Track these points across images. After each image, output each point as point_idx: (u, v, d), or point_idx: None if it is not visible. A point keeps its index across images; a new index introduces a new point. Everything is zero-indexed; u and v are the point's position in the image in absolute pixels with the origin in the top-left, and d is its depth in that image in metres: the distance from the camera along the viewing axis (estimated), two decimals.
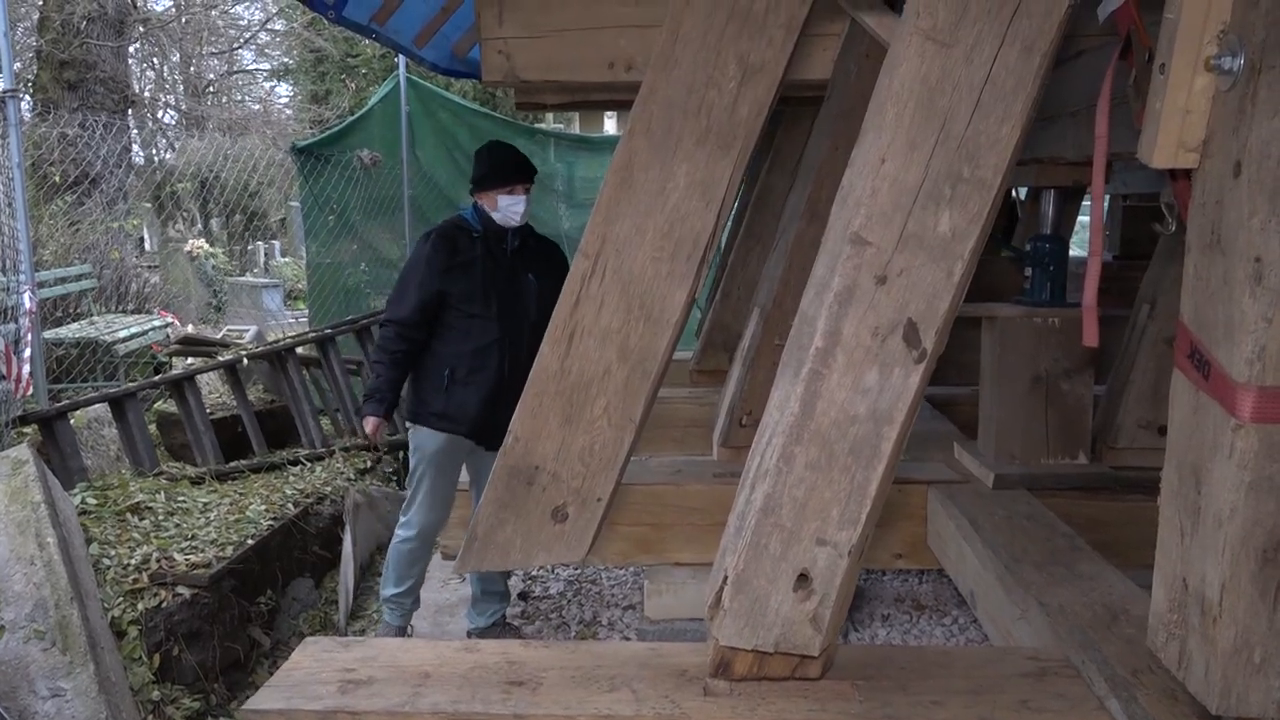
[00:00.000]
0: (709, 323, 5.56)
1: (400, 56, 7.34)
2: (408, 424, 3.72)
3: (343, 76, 15.30)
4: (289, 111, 18.32)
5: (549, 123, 12.54)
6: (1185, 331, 1.78)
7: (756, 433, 2.01)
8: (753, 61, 2.53)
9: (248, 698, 1.97)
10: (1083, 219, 6.27)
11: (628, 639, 3.79)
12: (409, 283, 3.58)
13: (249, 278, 12.90)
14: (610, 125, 15.47)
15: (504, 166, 3.59)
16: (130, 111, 12.82)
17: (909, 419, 1.85)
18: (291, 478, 4.95)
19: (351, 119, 8.63)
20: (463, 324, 3.55)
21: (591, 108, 10.62)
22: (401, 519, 3.70)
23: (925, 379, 1.85)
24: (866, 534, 1.87)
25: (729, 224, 5.69)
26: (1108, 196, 5.43)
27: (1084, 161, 3.33)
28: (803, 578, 1.85)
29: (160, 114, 16.73)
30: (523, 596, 4.27)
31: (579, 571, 4.48)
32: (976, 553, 2.88)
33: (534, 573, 4.48)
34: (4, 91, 5.14)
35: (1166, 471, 1.94)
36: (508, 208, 3.57)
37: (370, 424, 3.65)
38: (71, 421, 4.82)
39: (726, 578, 1.87)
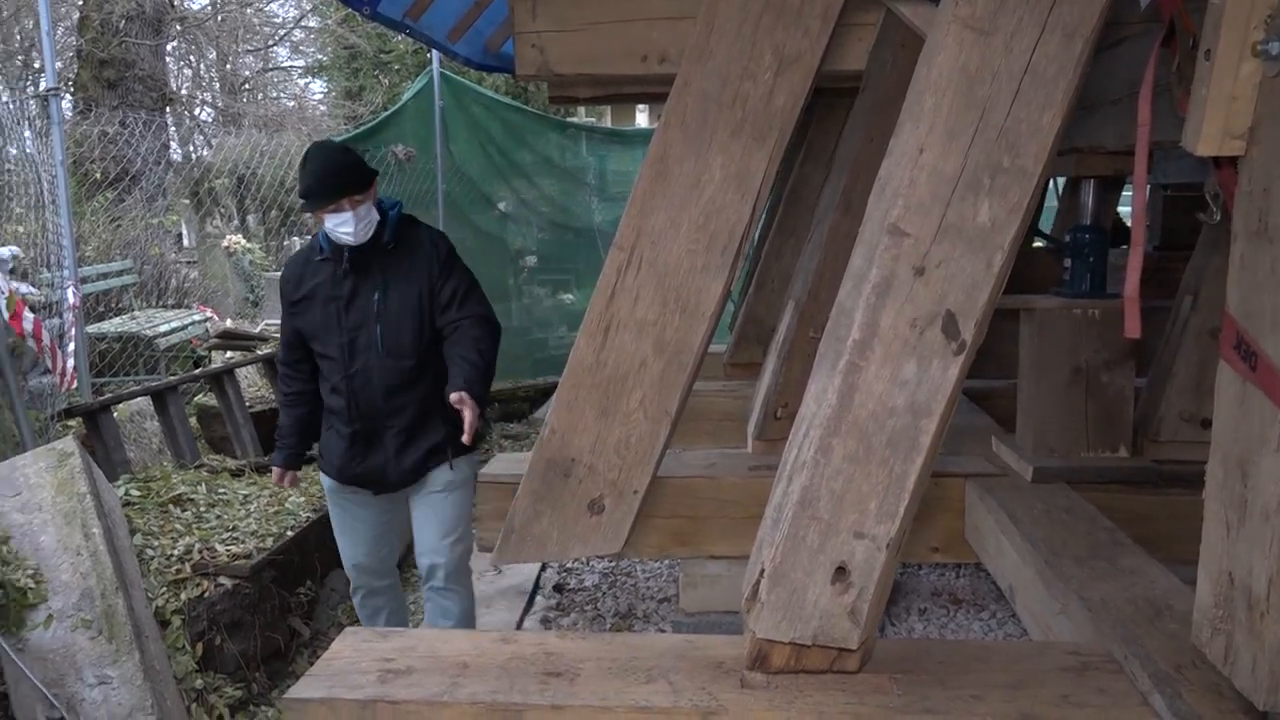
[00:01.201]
0: (743, 316, 5.55)
1: (433, 52, 7.38)
2: None
3: (376, 72, 15.39)
4: (323, 108, 18.48)
5: (580, 116, 12.55)
6: (1231, 322, 1.75)
7: (793, 425, 2.00)
8: (788, 52, 2.51)
9: (288, 687, 2.00)
10: (1122, 209, 6.19)
11: (663, 631, 3.80)
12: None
13: None
14: (642, 119, 15.47)
15: (315, 185, 2.97)
16: (168, 109, 12.99)
17: (948, 411, 1.84)
18: None
19: (385, 115, 8.69)
20: (321, 364, 3.16)
21: (625, 101, 10.61)
22: None
23: (964, 371, 1.84)
24: (905, 527, 1.85)
25: (763, 216, 5.67)
26: (1149, 186, 5.35)
27: (1125, 151, 3.30)
28: (840, 571, 1.84)
29: (197, 111, 16.94)
30: (558, 589, 4.29)
31: (614, 564, 4.49)
32: (1015, 546, 2.85)
33: (569, 565, 4.50)
34: (47, 90, 5.22)
35: (1211, 464, 1.91)
36: (336, 228, 2.99)
37: (274, 475, 3.37)
38: (115, 414, 4.90)
39: (763, 570, 1.87)
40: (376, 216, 3.04)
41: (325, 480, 3.26)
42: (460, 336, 3.05)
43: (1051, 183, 5.91)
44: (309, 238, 3.23)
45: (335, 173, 2.97)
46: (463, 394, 2.90)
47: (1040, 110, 1.80)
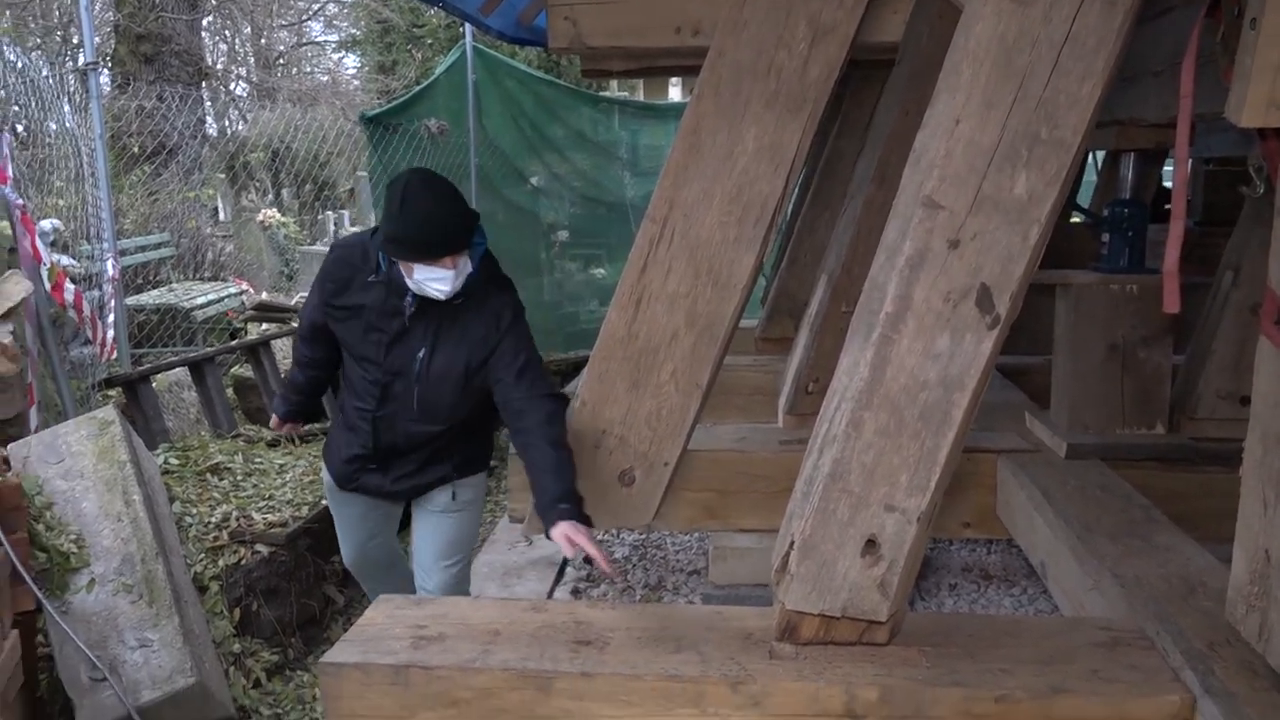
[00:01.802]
0: (775, 290, 5.53)
1: (466, 25, 7.37)
2: None
3: (409, 47, 15.40)
4: (357, 82, 18.54)
5: (613, 90, 12.50)
6: (1274, 297, 1.73)
7: (825, 398, 2.00)
8: (824, 22, 2.49)
9: (323, 652, 2.04)
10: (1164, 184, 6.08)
11: (692, 604, 3.82)
12: (311, 289, 2.94)
13: (319, 246, 13.13)
14: (675, 93, 15.38)
15: (418, 237, 2.53)
16: (204, 84, 13.09)
17: (980, 385, 1.83)
18: None
19: (418, 89, 8.70)
20: (351, 370, 2.85)
21: (658, 74, 10.54)
22: None
23: (998, 345, 1.82)
24: (935, 501, 1.85)
25: (797, 190, 5.63)
26: (1190, 159, 5.26)
27: (1167, 123, 3.23)
28: (870, 543, 1.85)
29: (232, 86, 17.05)
30: (588, 560, 4.32)
31: (644, 536, 4.52)
32: (1048, 523, 2.84)
33: (600, 537, 4.52)
34: (85, 65, 5.28)
35: (1250, 441, 1.89)
36: (428, 280, 2.58)
37: (273, 421, 3.17)
38: (154, 384, 4.98)
39: (793, 543, 1.87)
40: (470, 269, 2.63)
41: (325, 474, 3.04)
42: (537, 439, 2.62)
43: (1091, 157, 5.82)
44: (342, 212, 2.98)
45: (444, 228, 2.54)
46: (574, 528, 2.46)
47: (1080, 81, 1.77)
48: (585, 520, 2.52)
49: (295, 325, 6.00)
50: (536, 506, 2.61)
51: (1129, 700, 1.76)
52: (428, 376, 2.71)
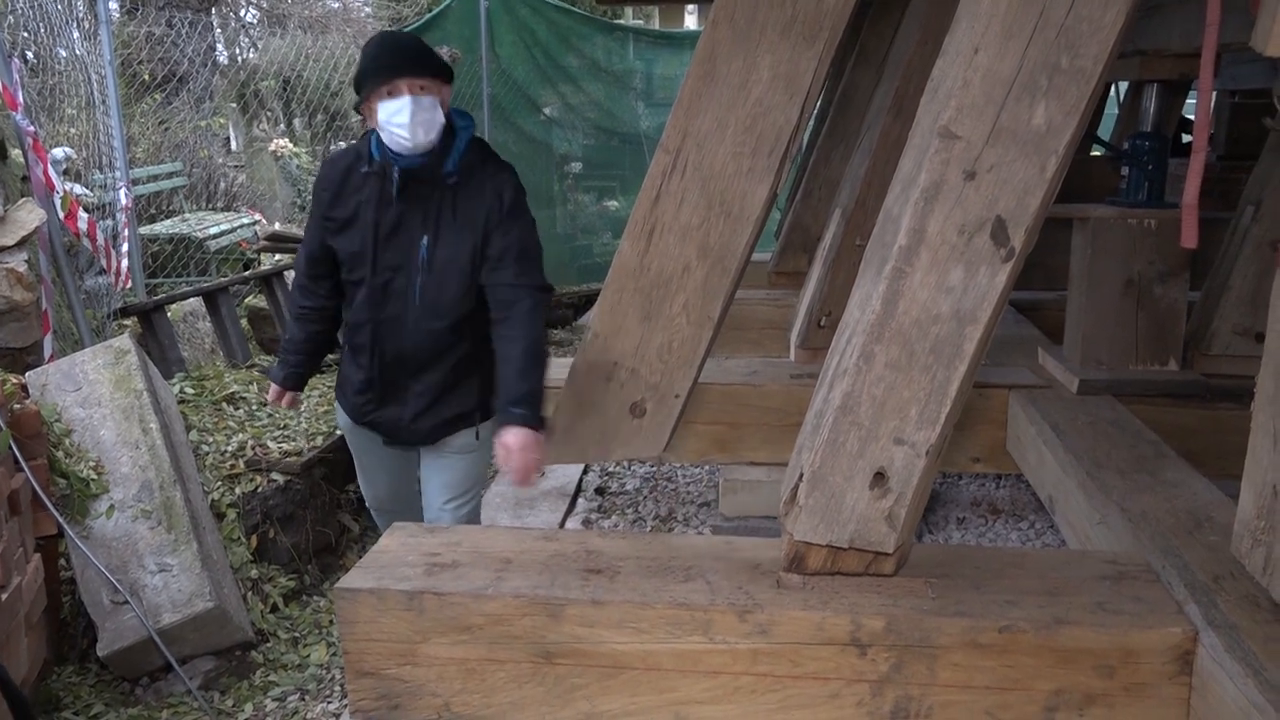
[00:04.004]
0: (788, 223, 5.49)
1: None
2: None
3: None
4: (368, 9, 18.22)
5: (628, 18, 12.28)
6: None
7: (836, 331, 2.00)
8: None
9: (339, 578, 2.07)
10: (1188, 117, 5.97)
11: (702, 535, 3.86)
12: (307, 222, 2.77)
13: None
14: (691, 21, 15.10)
15: (380, 56, 2.48)
16: (214, 10, 12.90)
17: (993, 319, 1.82)
18: None
19: (430, 16, 8.56)
20: (349, 289, 2.70)
21: (673, 1, 10.36)
22: None
23: (1012, 279, 1.81)
24: (945, 434, 1.86)
25: (812, 121, 5.56)
26: (1215, 91, 5.15)
27: (1191, 53, 3.17)
28: (879, 476, 1.86)
29: (242, 12, 16.80)
30: (599, 492, 4.37)
31: (655, 468, 4.55)
32: (1058, 458, 2.85)
33: (610, 468, 4.56)
34: None
35: (1263, 377, 1.88)
36: (390, 118, 2.44)
37: (272, 392, 2.92)
38: (168, 314, 5.00)
39: (803, 474, 1.89)
40: (441, 119, 2.49)
41: (340, 415, 2.89)
42: (509, 323, 2.57)
43: (1113, 89, 5.72)
44: (354, 143, 2.76)
45: (400, 48, 2.49)
46: (521, 436, 2.45)
47: (1103, 8, 1.73)
48: (539, 423, 2.50)
49: None
50: (496, 402, 2.60)
51: (1132, 632, 1.78)
52: (431, 266, 2.56)
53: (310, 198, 2.86)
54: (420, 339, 2.63)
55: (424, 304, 2.59)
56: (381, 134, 2.49)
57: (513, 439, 2.45)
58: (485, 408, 2.75)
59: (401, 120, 2.42)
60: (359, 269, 2.61)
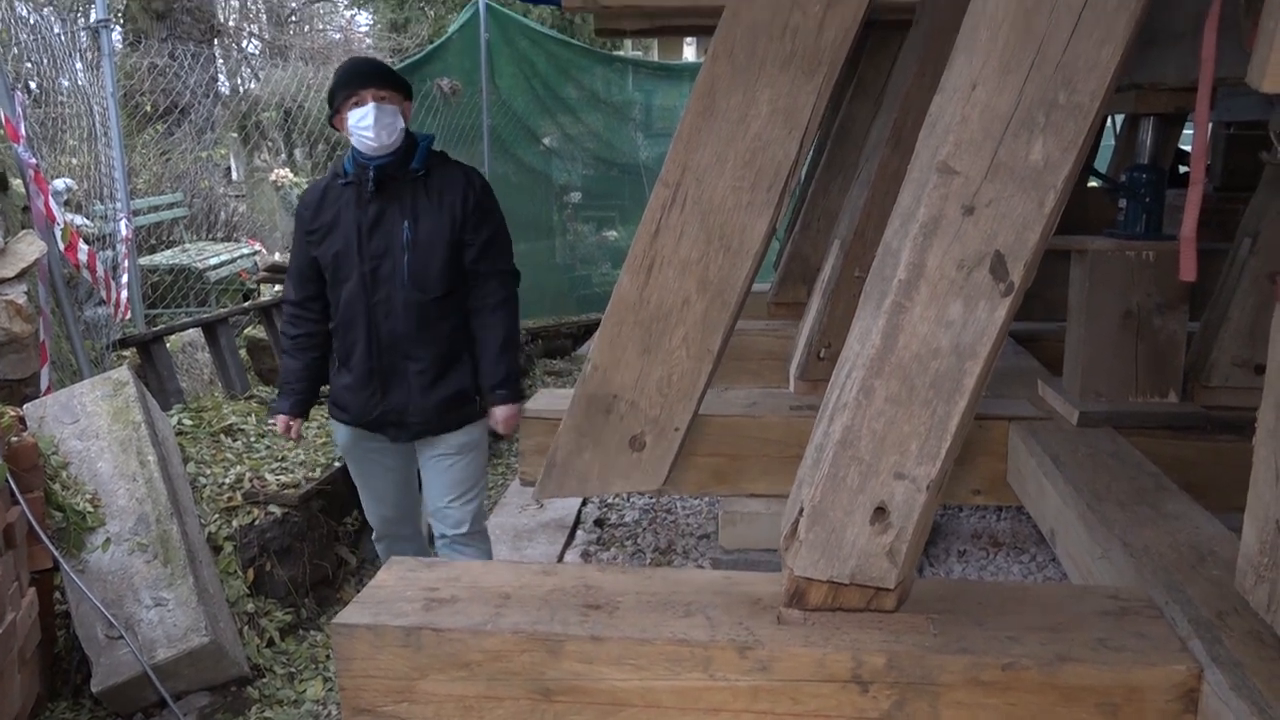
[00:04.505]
0: (787, 254, 5.50)
1: None
2: None
3: (422, 4, 15.26)
4: (369, 40, 18.37)
5: (627, 50, 12.38)
6: None
7: (836, 365, 1.99)
8: None
9: (336, 612, 2.05)
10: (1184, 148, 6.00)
11: (702, 568, 3.84)
12: (291, 254, 3.07)
13: None
14: (689, 53, 15.22)
15: (347, 73, 2.88)
16: (216, 41, 13.00)
17: (993, 354, 1.82)
18: None
19: (431, 47, 8.63)
20: (334, 296, 2.97)
21: (671, 34, 10.42)
22: None
23: (1011, 313, 1.81)
24: (946, 469, 1.85)
25: (811, 153, 5.58)
26: (1211, 124, 5.18)
27: (1187, 87, 3.19)
28: (880, 511, 1.85)
29: (244, 43, 16.93)
30: (599, 524, 4.35)
31: (655, 500, 4.54)
32: (1058, 490, 2.83)
33: (609, 500, 4.55)
34: (97, 22, 5.25)
35: (1264, 410, 1.88)
36: (358, 123, 2.80)
37: (279, 423, 3.11)
38: (167, 345, 5.00)
39: (803, 509, 1.88)
40: (401, 125, 2.84)
41: (340, 434, 3.09)
42: (483, 313, 2.98)
43: (1110, 121, 5.75)
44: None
45: (363, 66, 2.91)
46: (506, 410, 3.04)
47: (1099, 45, 1.74)
48: (518, 397, 3.08)
49: None
50: (480, 388, 3.03)
51: (1136, 669, 1.76)
52: (415, 242, 2.87)
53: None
54: (411, 316, 2.90)
55: (412, 280, 2.88)
56: (352, 139, 2.84)
57: (500, 413, 3.05)
58: (473, 389, 3.05)
59: (367, 124, 2.79)
60: (346, 265, 2.89)
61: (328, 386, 3.13)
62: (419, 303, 2.89)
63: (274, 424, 3.16)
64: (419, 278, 2.88)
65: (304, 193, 2.99)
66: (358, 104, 2.80)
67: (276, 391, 3.17)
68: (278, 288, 6.52)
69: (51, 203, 4.08)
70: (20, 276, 3.74)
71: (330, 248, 2.90)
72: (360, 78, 2.83)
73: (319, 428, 4.41)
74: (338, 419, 3.07)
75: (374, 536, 3.33)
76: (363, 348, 2.92)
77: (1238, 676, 1.70)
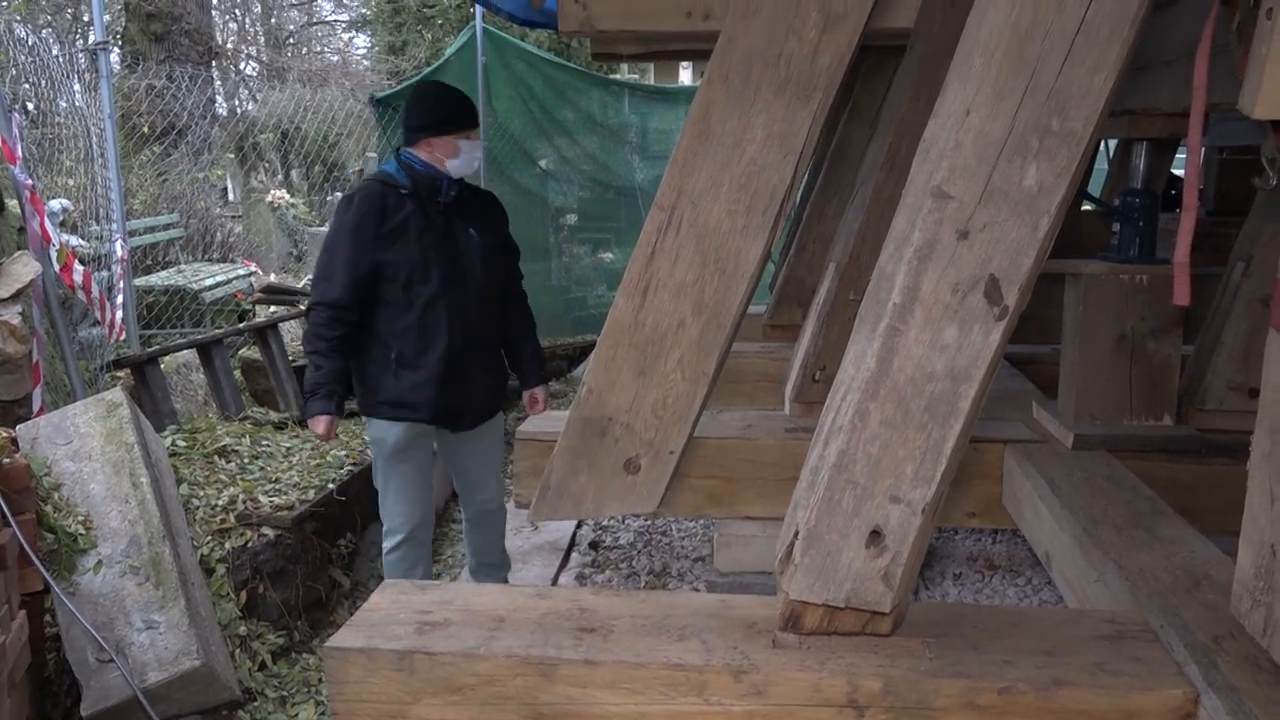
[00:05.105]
0: (783, 277, 5.51)
1: (477, 7, 7.33)
2: (363, 417, 3.39)
3: (419, 27, 15.36)
4: (366, 63, 18.48)
5: (623, 74, 12.45)
6: None
7: (831, 388, 1.99)
8: (835, 9, 2.47)
9: (329, 635, 2.04)
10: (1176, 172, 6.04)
11: (697, 590, 3.82)
12: (335, 257, 3.13)
13: (329, 228, 13.07)
14: (685, 76, 15.32)
15: (462, 108, 3.28)
16: (214, 63, 13.06)
17: (988, 377, 1.82)
18: None
19: (428, 70, 8.67)
20: (402, 297, 3.15)
21: (668, 58, 10.48)
22: (384, 528, 3.37)
23: (1006, 337, 1.81)
24: (941, 492, 1.85)
25: (806, 177, 5.60)
26: (1203, 149, 5.22)
27: (1180, 113, 3.21)
28: (875, 534, 1.84)
29: (242, 65, 17.01)
30: (593, 546, 4.33)
31: (649, 522, 4.52)
32: (1054, 513, 2.83)
33: (604, 523, 4.53)
34: (95, 44, 5.26)
35: (1258, 434, 1.88)
36: (469, 153, 3.25)
37: (321, 424, 3.17)
38: (162, 366, 4.99)
39: (798, 532, 1.87)
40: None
41: (395, 434, 3.20)
42: (519, 312, 3.51)
43: (1103, 145, 5.78)
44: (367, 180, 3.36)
45: (470, 105, 3.33)
46: (541, 391, 3.61)
47: (1092, 72, 1.75)
48: (546, 381, 3.65)
49: (304, 308, 6.00)
50: (522, 384, 3.61)
51: (1132, 694, 1.76)
52: (485, 249, 3.28)
53: (307, 248, 3.17)
54: (485, 313, 3.31)
55: (485, 283, 3.28)
56: (448, 161, 3.19)
57: (540, 393, 3.61)
58: (507, 384, 3.55)
59: (475, 157, 3.31)
60: (423, 269, 3.15)
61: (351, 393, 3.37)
62: (487, 306, 3.31)
63: (314, 426, 3.19)
64: (490, 279, 3.30)
65: (361, 201, 3.15)
66: (469, 138, 3.24)
67: (308, 395, 3.19)
68: (273, 309, 6.52)
69: (47, 223, 4.09)
70: (15, 297, 3.73)
71: (399, 254, 3.13)
72: (472, 118, 3.30)
73: (312, 449, 4.40)
74: (401, 418, 3.22)
75: (391, 546, 3.32)
76: (444, 345, 3.19)
77: (1234, 701, 1.69)
